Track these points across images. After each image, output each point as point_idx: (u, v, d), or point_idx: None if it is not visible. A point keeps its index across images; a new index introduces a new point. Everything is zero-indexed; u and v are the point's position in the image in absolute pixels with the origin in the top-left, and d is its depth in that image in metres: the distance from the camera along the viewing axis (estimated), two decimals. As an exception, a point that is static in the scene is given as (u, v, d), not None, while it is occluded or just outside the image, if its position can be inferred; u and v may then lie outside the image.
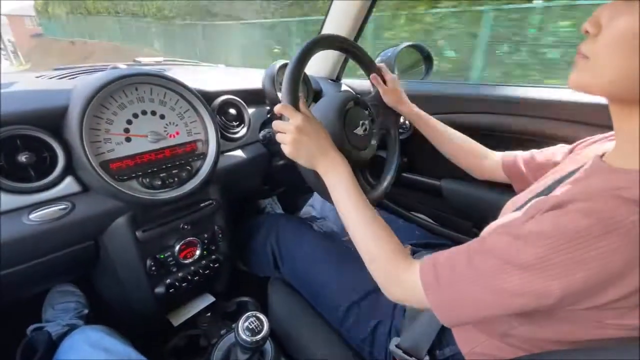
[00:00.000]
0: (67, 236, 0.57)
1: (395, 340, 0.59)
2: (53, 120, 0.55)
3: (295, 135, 0.54)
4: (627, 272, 0.30)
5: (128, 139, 0.60)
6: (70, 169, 0.56)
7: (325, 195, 0.69)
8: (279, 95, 0.85)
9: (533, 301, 0.34)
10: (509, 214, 0.49)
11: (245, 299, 0.91)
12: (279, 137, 0.57)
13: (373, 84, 0.83)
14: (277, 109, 0.56)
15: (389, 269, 0.47)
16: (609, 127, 0.41)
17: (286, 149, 0.56)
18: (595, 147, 0.51)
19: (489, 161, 0.73)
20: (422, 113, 0.80)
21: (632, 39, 0.32)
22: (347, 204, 0.54)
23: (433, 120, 0.80)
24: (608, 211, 0.30)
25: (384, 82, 0.79)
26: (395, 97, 0.81)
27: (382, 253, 0.48)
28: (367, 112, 0.79)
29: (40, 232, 0.53)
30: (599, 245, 0.30)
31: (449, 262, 0.41)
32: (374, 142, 0.80)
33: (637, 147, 0.36)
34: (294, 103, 0.56)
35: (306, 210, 1.01)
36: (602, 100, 0.38)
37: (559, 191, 0.43)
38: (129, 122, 0.60)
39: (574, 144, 0.57)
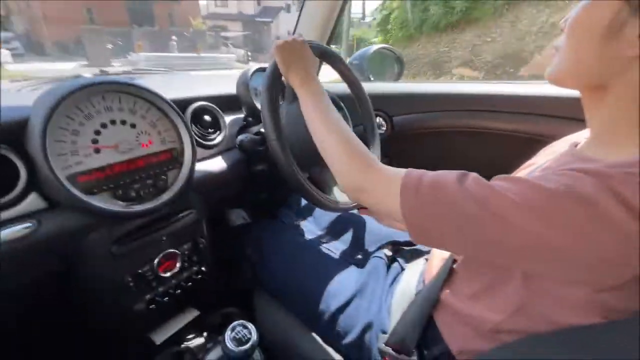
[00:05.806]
0: (34, 257, 0.53)
1: (383, 338, 0.59)
2: (13, 133, 0.51)
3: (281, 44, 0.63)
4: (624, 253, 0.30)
5: (97, 150, 0.57)
6: (34, 185, 0.53)
7: (309, 197, 0.69)
8: (254, 101, 0.84)
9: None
10: None
11: (231, 309, 0.88)
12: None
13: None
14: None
15: (362, 163, 0.47)
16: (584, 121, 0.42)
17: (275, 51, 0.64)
18: (569, 139, 0.53)
19: None
20: None
21: (582, 26, 0.35)
22: (317, 114, 0.58)
23: None
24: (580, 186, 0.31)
25: None
26: None
27: (357, 151, 0.49)
28: (340, 114, 0.79)
29: (3, 254, 0.49)
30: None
31: (436, 181, 0.39)
32: None
33: (610, 136, 0.38)
34: None
35: (284, 213, 1.00)
36: (576, 93, 0.40)
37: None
38: (97, 132, 0.57)
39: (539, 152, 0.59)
